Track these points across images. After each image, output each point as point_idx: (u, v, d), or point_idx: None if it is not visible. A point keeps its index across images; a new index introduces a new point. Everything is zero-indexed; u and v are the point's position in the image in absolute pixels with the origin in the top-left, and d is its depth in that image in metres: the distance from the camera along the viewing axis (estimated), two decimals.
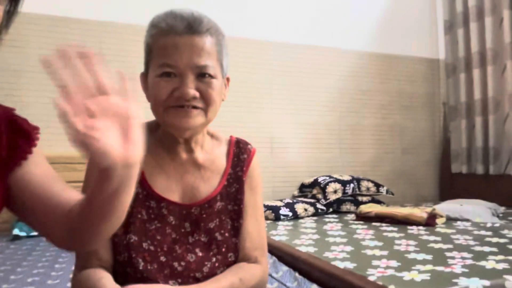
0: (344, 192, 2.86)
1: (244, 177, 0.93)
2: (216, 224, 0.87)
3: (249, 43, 3.03)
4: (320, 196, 2.84)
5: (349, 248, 1.74)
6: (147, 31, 0.85)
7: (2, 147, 0.68)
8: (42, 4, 2.62)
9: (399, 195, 3.21)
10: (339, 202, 2.85)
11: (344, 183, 2.90)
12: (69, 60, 0.54)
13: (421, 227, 2.18)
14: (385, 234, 2.03)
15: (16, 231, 2.22)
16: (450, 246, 1.74)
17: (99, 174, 0.56)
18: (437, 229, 2.11)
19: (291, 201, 2.72)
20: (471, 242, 1.79)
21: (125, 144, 0.54)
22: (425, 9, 3.64)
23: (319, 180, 2.93)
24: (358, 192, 2.92)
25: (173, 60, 0.78)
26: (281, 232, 2.16)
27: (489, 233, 1.99)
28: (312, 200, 2.81)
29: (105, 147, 0.50)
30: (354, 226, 2.27)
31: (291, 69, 3.16)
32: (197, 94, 0.80)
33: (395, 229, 2.16)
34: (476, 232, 2.01)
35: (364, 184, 2.96)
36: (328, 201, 2.80)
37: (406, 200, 3.29)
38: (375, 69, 3.44)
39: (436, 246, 1.75)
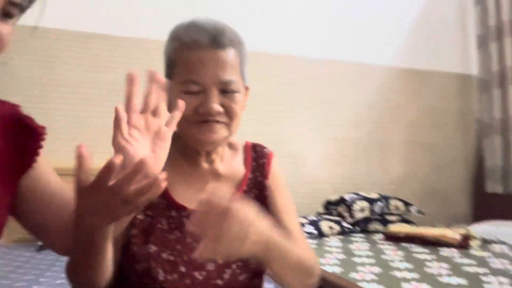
0: (371, 211, 2.76)
1: (264, 181, 0.92)
2: None
3: (273, 57, 3.02)
4: (346, 214, 2.75)
5: (377, 269, 1.65)
6: (168, 42, 0.85)
7: (11, 149, 0.68)
8: (71, 21, 2.69)
9: (430, 214, 3.07)
10: (366, 221, 2.75)
11: (371, 201, 2.80)
12: (149, 81, 0.65)
13: (454, 249, 2.07)
14: (415, 255, 1.93)
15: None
16: (486, 270, 1.63)
17: None
18: (472, 252, 2.00)
19: (315, 219, 2.65)
20: (509, 267, 1.68)
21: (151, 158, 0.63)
22: (456, 22, 3.55)
23: (345, 198, 2.84)
24: (386, 211, 2.81)
25: (199, 76, 0.79)
26: (332, 261, 2.08)
27: None
28: (338, 218, 2.72)
29: (135, 153, 0.60)
30: (382, 246, 2.17)
31: (315, 83, 3.12)
32: (221, 109, 0.81)
33: (426, 250, 2.06)
34: None
35: (393, 203, 2.85)
36: (354, 219, 2.71)
37: (437, 220, 3.15)
38: (404, 85, 3.36)
39: (471, 269, 1.64)
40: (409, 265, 1.73)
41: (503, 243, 2.22)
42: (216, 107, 0.80)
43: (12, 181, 0.67)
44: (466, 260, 1.80)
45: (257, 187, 0.92)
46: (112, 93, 2.66)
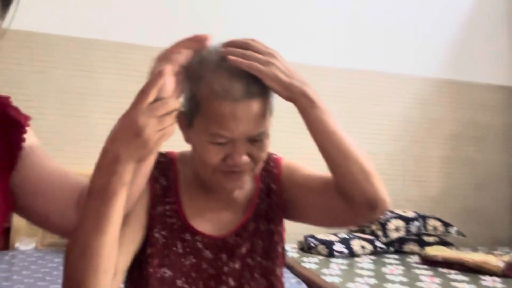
0: (407, 231, 2.62)
1: (273, 185, 0.88)
2: (247, 248, 0.84)
3: (305, 68, 2.91)
4: (379, 233, 2.63)
5: None
6: (192, 76, 0.75)
7: (0, 147, 0.66)
8: (108, 31, 2.74)
9: (471, 236, 2.89)
10: (401, 241, 2.61)
11: (407, 220, 2.66)
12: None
13: (496, 278, 1.92)
14: (454, 284, 1.80)
15: None
16: None
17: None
18: None
19: (347, 236, 2.54)
20: None
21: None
22: (500, 32, 3.35)
23: None
24: (423, 232, 2.66)
25: (229, 131, 0.72)
26: (334, 272, 2.00)
27: None
28: (371, 237, 2.60)
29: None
30: (417, 271, 2.05)
31: (349, 95, 3.01)
32: (248, 160, 0.76)
33: (466, 278, 1.92)
34: None
35: (431, 222, 2.70)
36: (388, 239, 2.58)
37: (479, 242, 2.96)
38: (444, 97, 3.19)
39: None
40: None
41: None
42: (245, 159, 0.75)
43: (5, 180, 0.67)
44: None
45: (268, 195, 0.88)
46: None
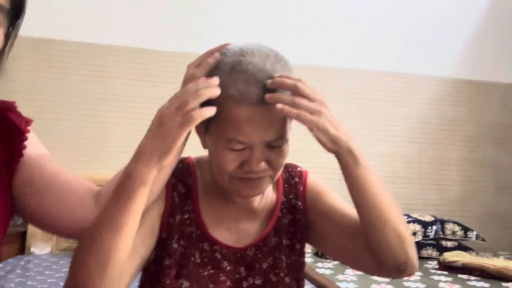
0: (425, 235, 2.56)
1: (298, 203, 0.85)
2: (269, 263, 0.81)
3: (319, 71, 2.92)
4: None
5: None
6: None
7: (1, 152, 0.66)
8: (123, 37, 2.77)
9: (491, 241, 2.81)
10: (418, 246, 2.55)
11: (425, 225, 2.60)
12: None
13: None
14: None
15: None
16: None
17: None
18: None
19: None
20: None
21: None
22: None
23: None
24: (442, 236, 2.60)
25: (245, 136, 0.70)
26: (349, 278, 1.96)
27: None
28: None
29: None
30: (436, 278, 2.00)
31: (365, 97, 2.97)
32: (267, 166, 0.73)
33: (487, 285, 1.86)
34: None
35: (449, 227, 2.63)
36: None
37: (500, 247, 2.88)
38: (462, 97, 3.12)
39: None
40: None
41: None
42: (263, 166, 0.72)
43: (5, 185, 0.67)
44: None
45: (291, 212, 0.85)
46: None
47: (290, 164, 0.90)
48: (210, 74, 0.73)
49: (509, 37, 3.23)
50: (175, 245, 0.78)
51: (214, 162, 0.76)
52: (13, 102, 0.72)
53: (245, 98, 0.68)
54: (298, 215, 0.85)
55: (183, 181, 0.82)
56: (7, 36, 0.61)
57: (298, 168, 0.90)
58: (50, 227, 0.73)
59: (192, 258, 0.78)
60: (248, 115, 0.68)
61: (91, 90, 2.75)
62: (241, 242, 0.82)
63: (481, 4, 3.21)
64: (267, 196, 0.86)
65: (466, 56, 3.16)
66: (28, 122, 0.71)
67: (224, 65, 0.71)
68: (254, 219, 0.83)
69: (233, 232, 0.82)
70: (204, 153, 0.81)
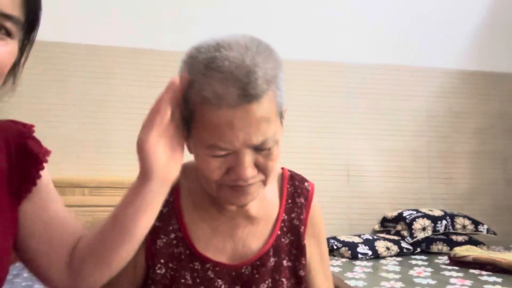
0: (434, 230, 2.51)
1: (301, 228, 0.78)
2: (268, 285, 0.75)
3: (322, 66, 2.88)
4: (405, 233, 2.53)
5: None
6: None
7: (14, 176, 0.65)
8: (124, 38, 2.75)
9: (503, 234, 2.75)
10: (428, 241, 2.50)
11: (434, 220, 2.56)
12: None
13: None
14: (486, 286, 1.70)
15: None
16: None
17: (136, 185, 0.65)
18: None
19: (370, 238, 2.46)
20: None
21: (169, 161, 0.66)
22: None
23: (404, 215, 2.62)
24: (452, 231, 2.55)
25: (227, 141, 0.62)
26: (358, 275, 1.93)
27: None
28: (396, 238, 2.51)
29: (154, 156, 0.64)
30: (447, 273, 1.95)
31: (370, 91, 2.93)
32: (255, 171, 0.66)
33: (499, 280, 1.81)
34: None
35: (459, 221, 2.58)
36: (415, 239, 2.48)
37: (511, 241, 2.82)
38: (470, 89, 3.06)
39: None
40: None
41: None
42: (250, 172, 0.65)
43: (13, 210, 0.66)
44: None
45: (292, 232, 0.78)
46: None
47: (298, 175, 0.82)
48: (184, 70, 0.67)
49: None
50: (159, 271, 0.73)
51: (199, 169, 0.69)
52: (32, 126, 0.70)
53: (223, 100, 0.60)
54: (302, 241, 0.78)
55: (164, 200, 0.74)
56: (22, 49, 0.61)
57: (305, 184, 0.81)
58: (35, 269, 0.70)
59: (183, 280, 0.73)
60: (228, 119, 0.61)
61: (93, 92, 2.74)
62: (236, 258, 0.75)
63: None
64: (267, 205, 0.78)
65: (472, 47, 3.10)
66: (46, 152, 0.69)
67: (198, 63, 0.64)
68: (251, 228, 0.77)
69: (227, 245, 0.75)
70: (191, 157, 0.74)
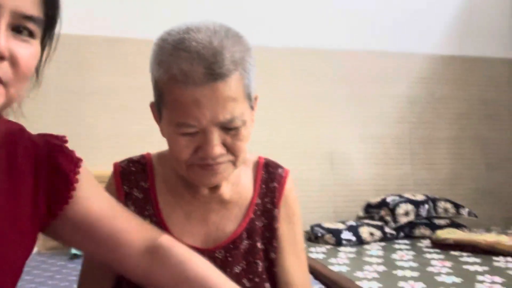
0: (417, 215, 2.55)
1: (274, 210, 0.79)
2: (243, 267, 0.75)
3: (304, 53, 2.87)
4: (389, 218, 2.56)
5: (421, 285, 1.49)
6: (153, 63, 0.69)
7: (39, 196, 0.62)
8: (98, 26, 2.69)
9: (484, 217, 2.81)
10: (411, 225, 2.54)
11: (417, 204, 2.59)
12: None
13: (509, 258, 1.85)
14: (465, 267, 1.74)
15: (73, 250, 2.26)
16: None
17: None
18: None
19: (354, 224, 2.48)
20: None
21: None
22: (507, 4, 3.22)
23: (387, 200, 2.65)
24: (434, 215, 2.59)
25: (194, 119, 0.64)
26: (342, 261, 1.95)
27: None
28: (380, 223, 2.53)
29: None
30: (428, 256, 1.99)
31: (351, 78, 2.93)
32: (223, 150, 0.67)
33: (478, 260, 1.86)
34: None
35: (441, 205, 2.62)
36: (398, 224, 2.51)
37: (493, 222, 2.88)
38: (450, 74, 3.09)
39: None
40: (457, 279, 1.55)
41: None
42: (218, 150, 0.67)
43: (33, 232, 0.62)
44: None
45: (266, 216, 0.79)
46: (145, 98, 2.65)
47: (273, 162, 0.84)
48: (155, 54, 0.68)
49: (495, 11, 3.20)
50: None
51: (170, 150, 0.71)
52: (64, 137, 0.66)
53: (189, 78, 0.63)
54: (275, 224, 0.79)
55: (138, 186, 0.77)
56: (43, 45, 0.59)
57: (279, 170, 0.82)
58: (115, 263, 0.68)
59: None
60: (195, 96, 0.63)
61: (69, 84, 2.68)
62: (209, 242, 0.76)
63: None
64: (242, 188, 0.80)
65: (452, 32, 3.13)
66: (77, 164, 0.65)
67: (167, 45, 0.66)
68: (224, 212, 0.78)
69: (201, 229, 0.77)
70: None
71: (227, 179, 0.74)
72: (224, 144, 0.67)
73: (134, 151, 2.55)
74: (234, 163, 0.70)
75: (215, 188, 0.76)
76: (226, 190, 0.77)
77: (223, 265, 0.74)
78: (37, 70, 0.60)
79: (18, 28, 0.53)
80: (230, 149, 0.68)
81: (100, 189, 0.68)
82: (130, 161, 0.79)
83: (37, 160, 0.62)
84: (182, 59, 0.63)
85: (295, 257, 0.79)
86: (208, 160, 0.67)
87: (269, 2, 2.83)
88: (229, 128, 0.66)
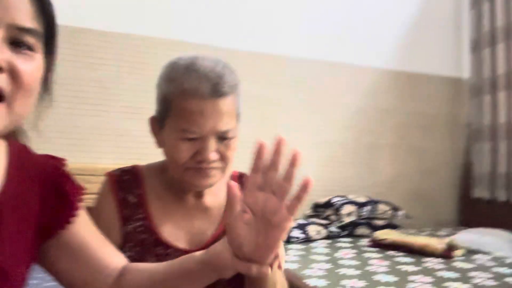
0: (359, 215, 2.78)
1: None
2: None
3: (264, 58, 2.98)
4: (334, 217, 2.77)
5: (361, 284, 1.67)
6: (164, 80, 0.83)
7: (45, 215, 0.65)
8: (61, 15, 2.62)
9: (417, 218, 3.10)
10: (353, 225, 2.76)
11: (360, 205, 2.82)
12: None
13: (438, 259, 2.09)
14: (399, 266, 1.95)
15: None
16: (468, 286, 1.65)
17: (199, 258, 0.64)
18: (455, 263, 2.02)
19: (303, 222, 2.66)
20: (489, 283, 1.70)
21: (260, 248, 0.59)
22: (449, 26, 3.54)
23: (333, 201, 2.85)
24: (374, 215, 2.83)
25: (198, 126, 0.79)
26: (292, 258, 2.10)
27: (510, 271, 1.89)
28: (325, 222, 2.73)
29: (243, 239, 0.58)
30: (368, 255, 2.19)
31: (307, 85, 3.09)
32: (217, 157, 0.82)
33: (411, 260, 2.08)
34: (495, 270, 1.91)
35: (381, 207, 2.87)
36: (342, 223, 2.72)
37: (424, 224, 3.18)
38: (395, 88, 3.35)
39: (453, 285, 1.66)
40: (392, 278, 1.74)
41: (487, 253, 2.25)
42: (214, 156, 0.81)
43: (35, 247, 0.66)
44: (449, 273, 1.83)
45: None
46: (102, 90, 2.62)
47: (245, 174, 0.96)
48: (167, 73, 0.83)
49: (438, 32, 3.49)
50: (128, 253, 0.82)
51: (169, 154, 0.83)
52: (63, 160, 0.69)
53: (198, 93, 0.78)
54: None
55: (132, 192, 0.87)
56: (46, 59, 0.60)
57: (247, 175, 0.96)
58: None
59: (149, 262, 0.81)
60: (201, 108, 0.78)
61: None
62: (195, 242, 0.87)
63: (414, 4, 3.43)
64: (220, 196, 0.91)
65: (400, 49, 3.38)
66: (80, 192, 0.68)
67: (179, 66, 0.82)
68: (206, 218, 0.89)
69: (186, 232, 0.87)
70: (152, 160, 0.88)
71: (215, 183, 0.86)
72: (218, 152, 0.81)
73: (86, 144, 2.64)
74: (223, 170, 0.84)
75: (199, 196, 0.89)
76: (208, 199, 0.90)
77: None
78: (45, 84, 0.62)
79: (16, 42, 0.53)
80: (222, 157, 0.82)
81: (88, 216, 0.73)
82: (123, 171, 0.89)
83: (45, 183, 0.66)
84: (193, 78, 0.79)
85: None
86: (204, 164, 0.80)
87: (232, 8, 2.90)
88: (223, 138, 0.82)
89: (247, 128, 2.91)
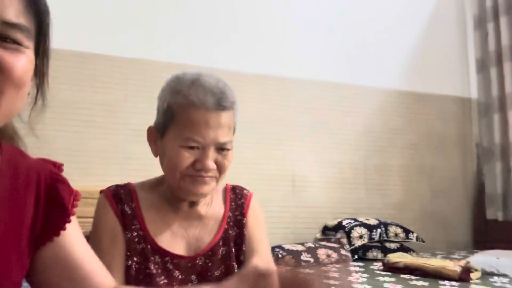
0: (370, 238, 2.71)
1: (243, 220, 0.96)
2: (221, 271, 0.90)
3: (272, 80, 2.99)
4: (344, 241, 2.70)
5: None
6: (170, 93, 0.87)
7: (38, 220, 0.63)
8: (68, 41, 2.66)
9: (430, 240, 3.02)
10: (365, 248, 2.69)
11: (370, 228, 2.75)
12: None
13: (454, 283, 2.02)
14: None
15: None
16: None
17: None
18: (472, 286, 1.95)
19: (313, 246, 2.59)
20: None
21: None
22: (456, 46, 3.55)
23: (343, 224, 2.79)
24: (385, 238, 2.76)
25: (201, 136, 0.84)
26: None
27: None
28: (336, 245, 2.67)
29: None
30: (381, 278, 2.12)
31: (315, 106, 3.09)
32: (214, 166, 0.86)
33: (426, 283, 2.01)
34: None
35: (392, 229, 2.80)
36: (353, 247, 2.66)
37: (437, 246, 3.10)
38: (403, 108, 3.34)
39: None
40: None
41: (504, 275, 2.17)
42: (212, 165, 0.85)
43: (29, 253, 0.63)
44: None
45: (237, 225, 0.96)
46: (109, 114, 2.63)
47: (238, 186, 1.02)
48: (172, 86, 0.88)
49: (445, 53, 3.51)
50: (129, 262, 0.86)
51: (168, 162, 0.86)
52: (61, 165, 0.68)
53: (203, 104, 0.84)
54: (244, 230, 0.95)
55: (127, 204, 0.90)
56: (38, 58, 0.59)
57: (244, 191, 1.02)
58: None
59: (148, 271, 0.86)
60: (205, 118, 0.83)
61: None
62: (192, 249, 0.90)
63: (419, 23, 3.46)
64: (215, 207, 0.96)
65: (408, 69, 3.38)
66: (75, 199, 0.66)
67: (185, 80, 0.87)
68: (202, 226, 0.92)
69: (183, 240, 0.90)
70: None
71: (209, 192, 0.90)
72: (215, 162, 0.86)
73: (92, 167, 2.63)
74: (218, 180, 0.88)
75: (193, 205, 0.92)
76: (202, 208, 0.94)
77: (205, 270, 0.89)
78: (41, 90, 0.62)
79: (3, 37, 0.52)
80: (219, 167, 0.87)
81: (80, 230, 0.70)
82: (118, 186, 0.92)
83: (39, 187, 0.64)
84: (199, 91, 0.84)
85: (258, 253, 0.93)
86: (202, 172, 0.85)
87: (239, 31, 2.94)
88: (222, 149, 0.86)
89: (255, 149, 2.92)
